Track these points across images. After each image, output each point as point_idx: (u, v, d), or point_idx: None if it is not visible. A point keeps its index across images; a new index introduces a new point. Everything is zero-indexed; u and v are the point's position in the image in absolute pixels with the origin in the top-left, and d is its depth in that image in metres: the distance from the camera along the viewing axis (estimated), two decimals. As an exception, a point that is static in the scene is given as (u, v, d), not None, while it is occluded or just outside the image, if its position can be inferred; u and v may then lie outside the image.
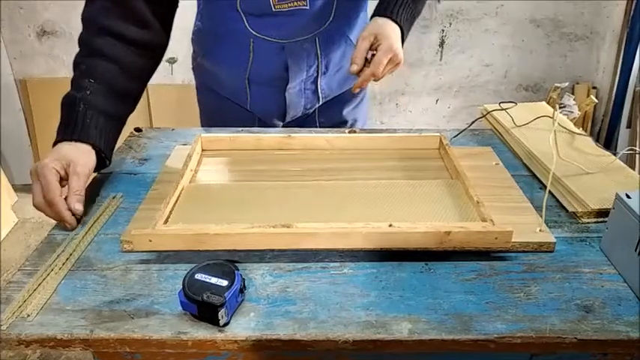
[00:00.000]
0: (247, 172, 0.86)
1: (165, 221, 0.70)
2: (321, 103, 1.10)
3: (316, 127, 1.15)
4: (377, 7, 0.94)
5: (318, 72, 1.04)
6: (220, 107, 1.12)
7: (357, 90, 0.93)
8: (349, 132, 1.00)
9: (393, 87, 2.48)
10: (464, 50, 2.42)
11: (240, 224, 0.66)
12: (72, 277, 0.64)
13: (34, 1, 2.21)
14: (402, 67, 0.92)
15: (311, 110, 1.12)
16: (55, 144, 0.77)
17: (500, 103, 1.06)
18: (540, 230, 0.70)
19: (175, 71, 2.38)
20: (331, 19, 0.98)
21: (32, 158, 2.44)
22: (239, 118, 1.09)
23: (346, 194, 0.78)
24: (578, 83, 2.49)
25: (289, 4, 0.93)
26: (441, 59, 2.45)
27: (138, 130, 1.04)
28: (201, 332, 0.55)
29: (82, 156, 0.76)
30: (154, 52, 0.91)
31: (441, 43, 2.41)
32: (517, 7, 2.34)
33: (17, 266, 0.97)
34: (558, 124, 0.96)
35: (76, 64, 0.83)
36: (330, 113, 1.14)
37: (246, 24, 0.96)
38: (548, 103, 1.09)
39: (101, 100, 0.80)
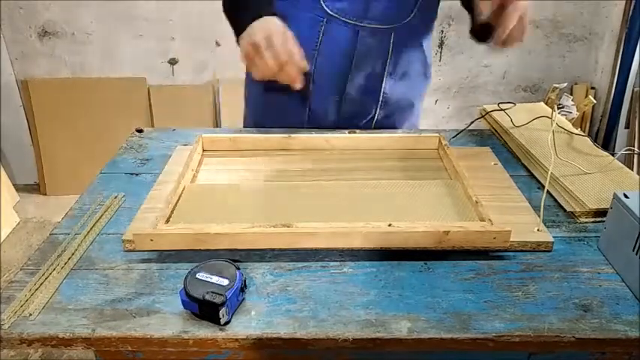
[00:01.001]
0: (248, 172, 0.87)
1: (167, 221, 0.70)
2: (379, 106, 1.06)
3: None
4: None
5: (384, 70, 1.01)
6: (273, 102, 1.06)
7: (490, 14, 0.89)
8: (349, 132, 1.00)
9: (393, 87, 2.49)
10: (463, 51, 2.43)
11: (240, 224, 0.67)
12: (74, 277, 0.64)
13: (34, 1, 2.21)
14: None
15: (369, 115, 1.07)
16: (254, 18, 0.84)
17: (499, 104, 1.07)
18: (538, 230, 0.70)
19: (176, 72, 2.38)
20: (412, 15, 0.96)
21: (34, 158, 2.44)
22: (291, 113, 1.05)
23: (346, 194, 0.78)
24: (576, 84, 2.49)
25: None
26: (440, 60, 2.45)
27: (139, 130, 1.05)
28: (203, 331, 0.56)
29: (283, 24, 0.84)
30: None
31: (441, 44, 2.42)
32: (516, 7, 2.34)
33: (19, 266, 0.97)
34: (557, 124, 0.96)
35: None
36: (388, 124, 1.10)
37: (322, 1, 0.93)
38: (546, 103, 1.09)
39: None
